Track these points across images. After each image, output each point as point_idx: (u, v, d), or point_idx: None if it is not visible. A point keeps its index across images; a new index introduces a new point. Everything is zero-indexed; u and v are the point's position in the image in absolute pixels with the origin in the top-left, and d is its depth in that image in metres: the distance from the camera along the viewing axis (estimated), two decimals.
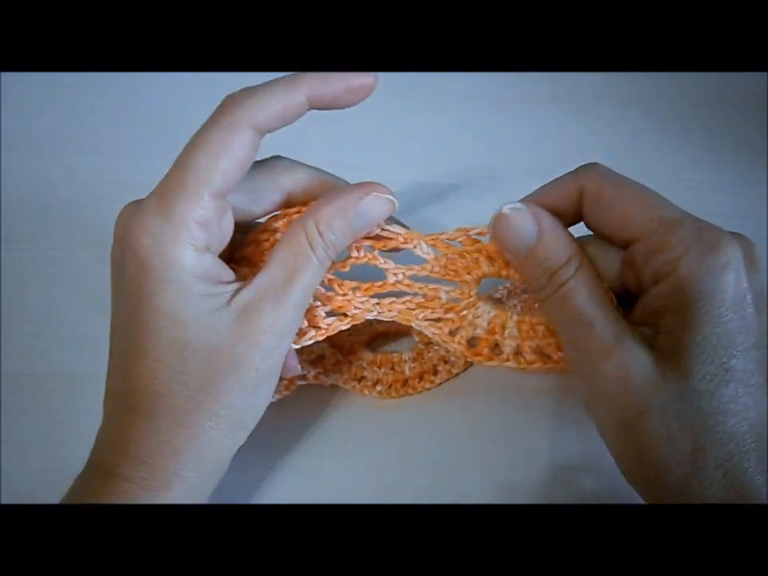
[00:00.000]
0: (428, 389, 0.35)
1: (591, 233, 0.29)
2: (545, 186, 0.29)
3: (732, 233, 0.25)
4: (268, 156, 0.29)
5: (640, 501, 0.26)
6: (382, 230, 0.29)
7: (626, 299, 0.28)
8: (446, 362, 0.35)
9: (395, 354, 0.35)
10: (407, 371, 0.35)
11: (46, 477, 0.32)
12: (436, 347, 0.35)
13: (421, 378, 0.35)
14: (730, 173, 0.41)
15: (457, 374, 0.35)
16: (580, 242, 0.28)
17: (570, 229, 0.28)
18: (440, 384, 0.35)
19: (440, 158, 0.43)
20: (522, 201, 0.29)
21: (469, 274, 0.29)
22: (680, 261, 0.25)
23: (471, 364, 0.35)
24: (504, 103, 0.45)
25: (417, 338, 0.36)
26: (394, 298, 0.30)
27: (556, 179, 0.29)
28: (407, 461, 0.33)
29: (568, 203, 0.28)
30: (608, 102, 0.45)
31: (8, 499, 0.32)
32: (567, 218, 0.28)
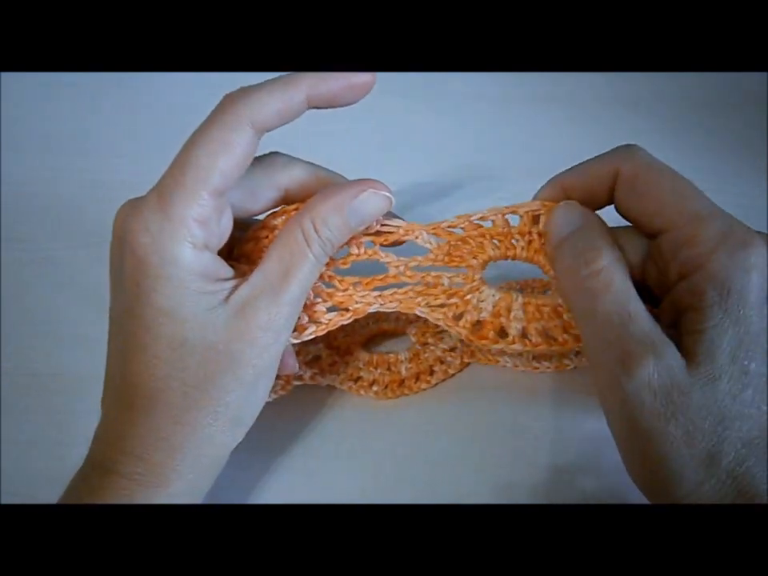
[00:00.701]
0: (424, 389, 0.34)
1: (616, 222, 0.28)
2: (579, 164, 0.29)
3: (759, 232, 0.25)
4: (266, 152, 0.29)
5: (639, 501, 0.26)
6: (382, 225, 0.29)
7: (641, 293, 0.28)
8: (442, 362, 0.35)
9: (391, 355, 0.35)
10: (403, 371, 0.35)
11: (45, 477, 0.32)
12: (432, 347, 0.35)
13: (417, 379, 0.35)
14: (730, 173, 0.41)
15: (453, 374, 0.35)
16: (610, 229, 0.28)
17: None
18: (436, 384, 0.35)
19: (440, 158, 0.43)
20: (554, 179, 0.29)
21: (474, 258, 0.29)
22: (710, 256, 0.24)
23: (467, 364, 0.35)
24: (504, 103, 0.46)
25: (413, 339, 0.36)
26: (395, 289, 0.30)
27: (591, 159, 0.29)
28: (404, 461, 0.33)
29: (602, 184, 0.28)
30: (608, 102, 0.45)
31: (8, 499, 0.32)
32: (600, 199, 0.28)
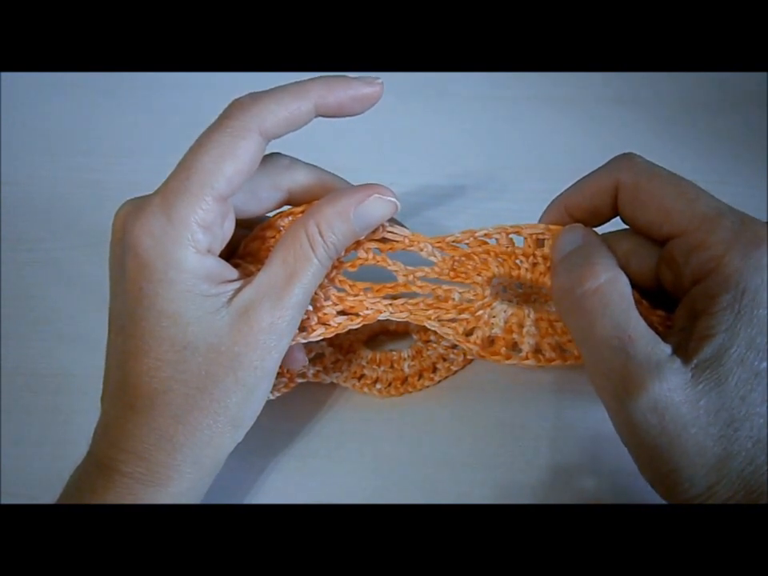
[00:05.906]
0: (427, 387, 0.34)
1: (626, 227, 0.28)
2: (578, 182, 0.29)
3: None
4: (268, 153, 0.29)
5: (640, 501, 0.26)
6: (388, 231, 0.29)
7: (657, 296, 0.27)
8: (444, 360, 0.35)
9: (394, 352, 0.35)
10: (406, 369, 0.35)
11: (46, 477, 0.32)
12: (435, 345, 0.35)
13: (420, 376, 0.35)
14: (730, 173, 0.41)
15: (456, 372, 0.35)
16: (616, 235, 0.28)
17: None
18: (439, 382, 0.35)
19: (441, 160, 0.43)
20: (555, 201, 0.29)
21: (479, 275, 0.30)
22: (723, 258, 0.24)
23: (470, 361, 0.35)
24: (505, 103, 0.46)
25: (415, 336, 0.36)
26: (406, 299, 0.30)
27: (589, 174, 0.28)
28: (407, 459, 0.33)
29: (604, 198, 0.27)
30: (608, 102, 0.45)
31: (8, 499, 0.32)
32: (604, 214, 0.28)
